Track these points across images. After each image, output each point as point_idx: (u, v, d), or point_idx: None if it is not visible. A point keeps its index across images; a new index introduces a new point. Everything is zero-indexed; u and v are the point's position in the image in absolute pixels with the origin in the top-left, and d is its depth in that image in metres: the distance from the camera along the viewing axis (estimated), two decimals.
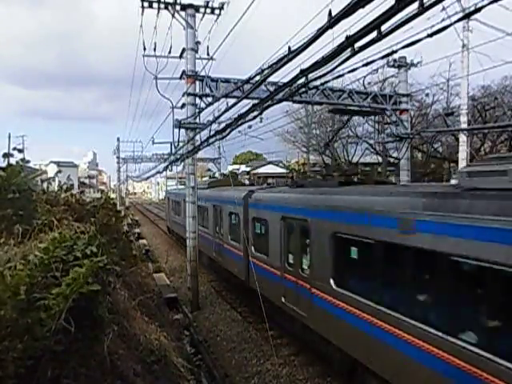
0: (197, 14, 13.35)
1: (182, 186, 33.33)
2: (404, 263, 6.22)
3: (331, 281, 7.64)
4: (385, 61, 14.94)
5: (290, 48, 5.43)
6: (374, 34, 3.89)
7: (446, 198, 5.64)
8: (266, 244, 10.77)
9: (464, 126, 18.08)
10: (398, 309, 6.03)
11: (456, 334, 5.02)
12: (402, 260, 6.27)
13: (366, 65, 6.01)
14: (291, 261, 9.48)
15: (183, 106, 13.61)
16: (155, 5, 13.03)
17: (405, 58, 15.97)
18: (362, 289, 6.94)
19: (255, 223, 11.86)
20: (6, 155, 7.28)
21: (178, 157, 16.94)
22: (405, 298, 6.12)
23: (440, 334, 5.20)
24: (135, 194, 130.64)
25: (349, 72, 6.06)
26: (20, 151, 8.33)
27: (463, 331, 5.02)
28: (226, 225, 14.55)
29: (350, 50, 4.34)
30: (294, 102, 15.22)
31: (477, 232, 4.79)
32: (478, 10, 3.79)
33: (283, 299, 9.68)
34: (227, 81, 13.41)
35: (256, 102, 8.69)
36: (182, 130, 13.58)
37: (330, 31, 4.30)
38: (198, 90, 13.35)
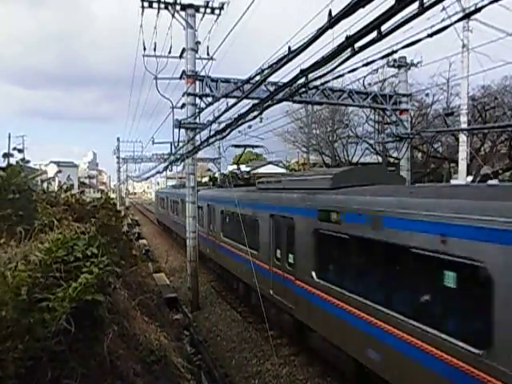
0: (197, 14, 13.35)
1: (170, 185, 39.79)
2: (236, 220, 12.39)
3: (221, 234, 14.84)
4: (385, 61, 14.93)
5: (289, 48, 5.43)
6: (374, 34, 3.88)
7: (248, 192, 12.53)
8: (202, 219, 17.63)
9: (464, 126, 18.07)
10: (238, 239, 12.44)
11: (249, 245, 11.27)
12: (235, 218, 12.63)
13: (366, 65, 6.02)
14: (211, 227, 16.49)
15: (183, 105, 13.60)
16: (155, 5, 13.02)
17: (405, 57, 15.95)
18: (228, 234, 14.06)
19: (197, 208, 19.40)
20: (6, 155, 7.29)
21: (178, 157, 16.95)
22: (245, 235, 11.52)
23: (243, 246, 11.73)
24: (135, 193, 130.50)
25: (349, 72, 6.07)
26: (20, 151, 8.34)
27: (252, 244, 11.26)
28: (185, 211, 23.05)
29: (350, 50, 4.33)
30: (294, 102, 15.22)
31: (257, 206, 11.33)
32: (478, 10, 3.79)
33: (207, 250, 16.87)
34: (227, 81, 13.41)
35: (256, 101, 8.69)
36: (182, 130, 13.58)
37: (330, 31, 4.29)
38: (198, 90, 13.34)
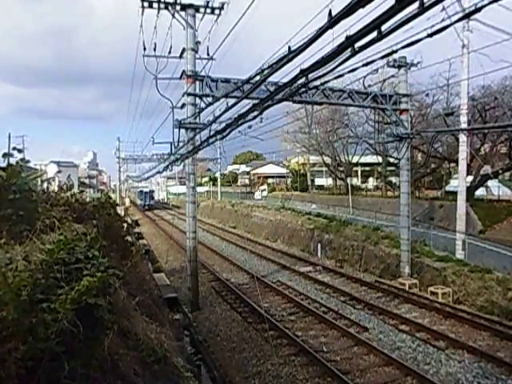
0: (197, 14, 13.36)
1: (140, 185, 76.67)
2: (141, 194, 66.13)
3: (138, 199, 66.49)
4: (385, 61, 14.92)
5: (290, 48, 5.42)
6: (374, 34, 3.88)
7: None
8: (140, 195, 65.10)
9: (464, 126, 18.08)
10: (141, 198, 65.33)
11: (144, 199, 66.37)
12: (141, 193, 67.01)
13: (366, 65, 5.99)
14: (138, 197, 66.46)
15: (183, 105, 13.61)
16: (155, 5, 13.03)
17: (405, 57, 15.94)
18: (140, 198, 66.07)
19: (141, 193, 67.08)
20: (6, 155, 7.27)
21: (178, 157, 16.95)
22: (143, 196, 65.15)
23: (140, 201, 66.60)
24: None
25: (349, 72, 6.03)
26: (20, 151, 8.32)
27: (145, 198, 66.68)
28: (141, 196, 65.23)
29: (350, 50, 4.32)
30: (294, 102, 15.19)
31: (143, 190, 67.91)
32: (478, 10, 3.78)
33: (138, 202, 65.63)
34: (227, 81, 13.41)
35: (256, 102, 8.68)
36: (182, 130, 13.58)
37: (330, 31, 4.28)
38: (197, 90, 13.34)
